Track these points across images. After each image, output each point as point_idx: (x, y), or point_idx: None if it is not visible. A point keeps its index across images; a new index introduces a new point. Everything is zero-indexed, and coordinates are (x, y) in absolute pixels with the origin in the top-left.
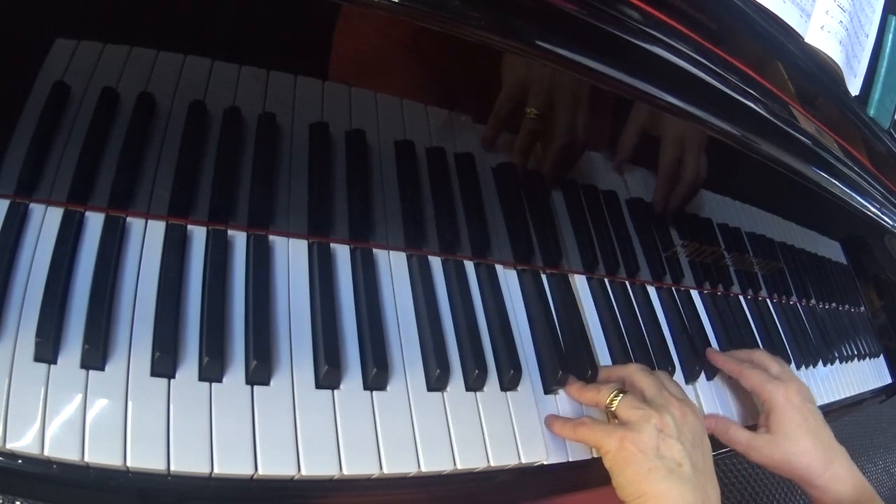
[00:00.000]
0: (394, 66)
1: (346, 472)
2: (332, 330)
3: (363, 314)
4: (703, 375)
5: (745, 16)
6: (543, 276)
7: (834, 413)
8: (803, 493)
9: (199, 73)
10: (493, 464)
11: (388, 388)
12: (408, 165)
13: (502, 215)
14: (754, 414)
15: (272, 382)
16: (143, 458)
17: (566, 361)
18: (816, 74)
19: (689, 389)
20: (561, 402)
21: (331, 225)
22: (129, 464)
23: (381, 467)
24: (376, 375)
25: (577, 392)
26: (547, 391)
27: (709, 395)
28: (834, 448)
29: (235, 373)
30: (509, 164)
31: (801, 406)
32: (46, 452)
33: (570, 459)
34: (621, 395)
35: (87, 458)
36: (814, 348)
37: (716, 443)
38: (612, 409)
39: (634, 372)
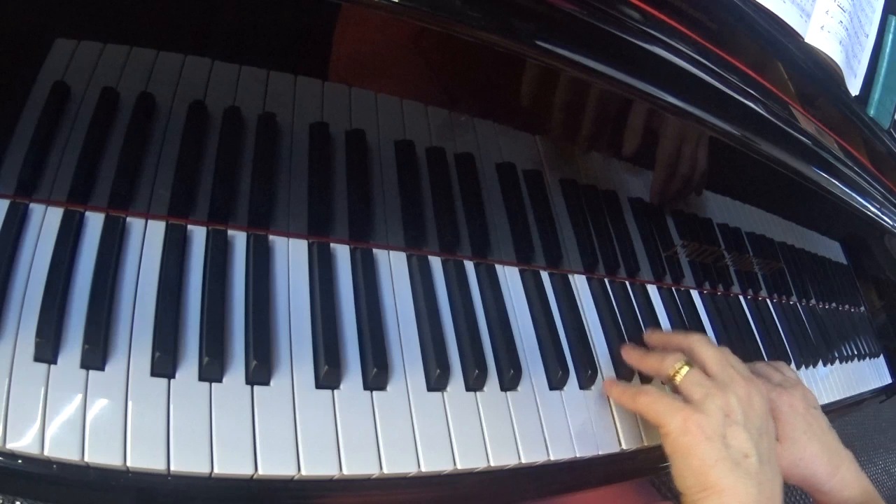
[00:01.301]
0: (394, 66)
1: (346, 472)
2: (332, 330)
3: (363, 314)
4: None
5: (745, 16)
6: (543, 276)
7: (834, 413)
8: (803, 494)
9: (199, 73)
10: (493, 464)
11: (388, 388)
12: (408, 165)
13: (502, 215)
14: None
15: (272, 382)
16: (143, 458)
17: (566, 361)
18: (816, 74)
19: None
20: (562, 402)
21: (331, 225)
22: (129, 464)
23: (381, 467)
24: (376, 375)
25: (638, 359)
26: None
27: None
28: (840, 453)
29: (235, 373)
30: (509, 164)
31: (805, 412)
32: (46, 452)
33: (572, 457)
34: (687, 367)
35: (87, 458)
36: (814, 348)
37: None
38: (676, 381)
39: (696, 342)
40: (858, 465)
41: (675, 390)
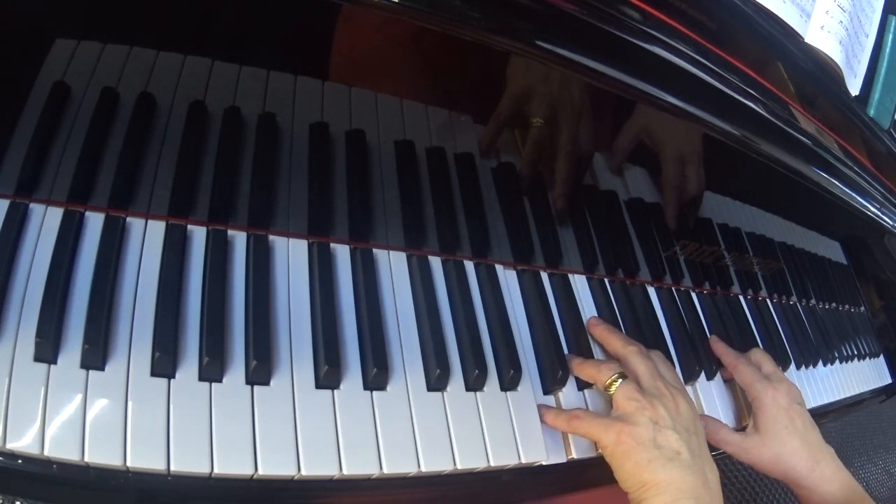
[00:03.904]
0: (394, 66)
1: (346, 472)
2: (332, 330)
3: (363, 314)
4: (702, 375)
5: (745, 16)
6: (543, 276)
7: (834, 413)
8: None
9: (199, 73)
10: (493, 464)
11: (388, 388)
12: (408, 165)
13: (502, 215)
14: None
15: (272, 382)
16: (143, 458)
17: (566, 361)
18: (816, 74)
19: (690, 389)
20: (561, 402)
21: (331, 225)
22: (129, 464)
23: (381, 467)
24: (376, 375)
25: (578, 367)
26: (546, 391)
27: (709, 395)
28: (821, 449)
29: (235, 373)
30: (509, 164)
31: (788, 407)
32: (46, 452)
33: (570, 458)
34: (620, 380)
35: (87, 458)
36: (814, 348)
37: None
38: (611, 391)
39: (630, 354)
40: (839, 462)
41: (609, 398)
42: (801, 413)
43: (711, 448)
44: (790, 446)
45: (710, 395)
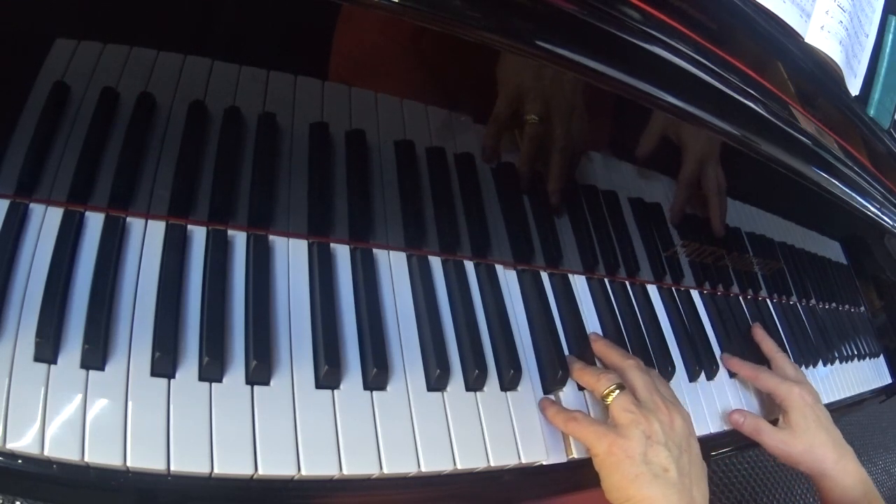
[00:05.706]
0: (394, 66)
1: (346, 472)
2: (332, 330)
3: (363, 314)
4: (703, 375)
5: (745, 16)
6: (543, 276)
7: (834, 413)
8: (803, 494)
9: (199, 73)
10: (493, 464)
11: (388, 388)
12: (408, 165)
13: (502, 215)
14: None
15: (272, 382)
16: (143, 458)
17: (566, 361)
18: (816, 74)
19: (691, 388)
20: (561, 402)
21: (331, 225)
22: (129, 464)
23: (381, 467)
24: (376, 375)
25: (578, 372)
26: (547, 391)
27: (709, 395)
28: (843, 444)
29: (235, 373)
30: (509, 164)
31: (814, 405)
32: (46, 452)
33: (570, 458)
34: (618, 391)
35: (87, 458)
36: (814, 348)
37: (718, 443)
38: (607, 402)
39: (629, 367)
40: (858, 460)
41: (606, 408)
42: (825, 411)
43: (719, 447)
44: (819, 438)
45: (711, 395)
